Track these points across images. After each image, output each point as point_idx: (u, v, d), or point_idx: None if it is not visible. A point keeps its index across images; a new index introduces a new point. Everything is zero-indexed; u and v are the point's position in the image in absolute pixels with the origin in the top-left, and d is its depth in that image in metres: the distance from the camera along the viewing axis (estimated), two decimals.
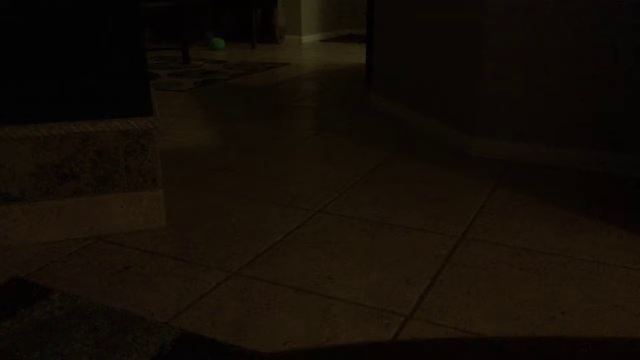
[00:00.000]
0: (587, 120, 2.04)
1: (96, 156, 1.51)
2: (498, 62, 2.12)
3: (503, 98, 2.15)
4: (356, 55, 5.28)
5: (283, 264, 1.41)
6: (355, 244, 1.51)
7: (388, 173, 2.05)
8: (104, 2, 1.44)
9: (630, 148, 2.00)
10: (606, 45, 1.95)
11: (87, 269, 1.39)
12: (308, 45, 6.25)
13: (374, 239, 1.54)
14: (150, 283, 1.32)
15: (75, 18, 1.43)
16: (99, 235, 1.55)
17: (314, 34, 6.66)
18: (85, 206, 1.53)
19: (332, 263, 1.41)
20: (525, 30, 2.05)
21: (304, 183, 1.96)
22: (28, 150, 1.46)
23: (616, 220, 1.64)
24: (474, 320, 1.17)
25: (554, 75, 2.05)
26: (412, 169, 2.09)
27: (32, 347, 1.08)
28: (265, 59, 4.98)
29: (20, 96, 1.44)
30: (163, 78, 4.03)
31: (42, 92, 1.45)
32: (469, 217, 1.67)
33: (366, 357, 1.07)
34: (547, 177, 2.01)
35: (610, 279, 1.33)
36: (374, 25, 3.15)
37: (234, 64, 4.70)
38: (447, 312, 1.20)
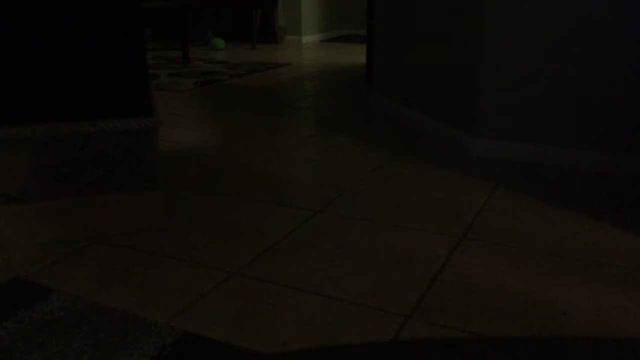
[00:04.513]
0: (587, 120, 2.04)
1: (96, 156, 1.51)
2: (498, 62, 2.12)
3: (503, 98, 2.15)
4: (356, 55, 5.28)
5: (283, 264, 1.41)
6: (355, 244, 1.51)
7: (388, 173, 2.05)
8: (104, 2, 1.44)
9: (631, 148, 2.00)
10: (607, 45, 1.95)
11: (87, 269, 1.39)
12: (308, 45, 6.25)
13: (374, 239, 1.54)
14: (150, 283, 1.32)
15: (75, 18, 1.43)
16: (99, 235, 1.55)
17: (314, 34, 6.66)
18: (85, 206, 1.53)
19: (332, 263, 1.41)
20: (526, 30, 2.05)
21: (304, 183, 1.96)
22: (28, 150, 1.46)
23: (616, 220, 1.64)
24: (474, 320, 1.17)
25: (554, 75, 2.05)
26: (411, 169, 2.09)
27: (32, 347, 1.08)
28: (265, 59, 4.98)
29: (20, 96, 1.44)
30: (163, 78, 4.03)
31: (42, 92, 1.45)
32: (469, 217, 1.67)
33: (366, 357, 1.07)
34: (547, 177, 2.01)
35: (610, 278, 1.33)
36: (374, 25, 3.15)
37: (234, 64, 4.70)
38: (447, 312, 1.20)
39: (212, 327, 1.16)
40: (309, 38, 6.57)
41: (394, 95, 2.90)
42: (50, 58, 1.44)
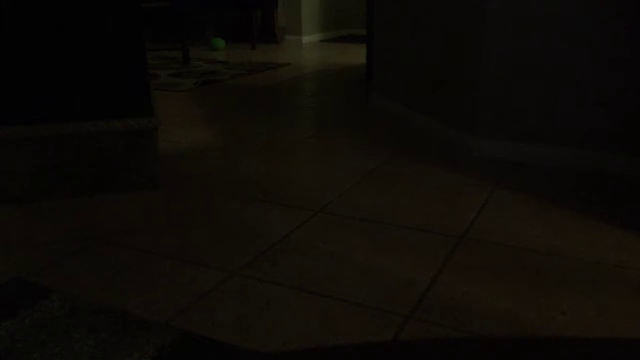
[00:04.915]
0: (587, 120, 2.04)
1: (96, 156, 1.51)
2: (498, 62, 2.12)
3: (503, 98, 2.15)
4: (356, 55, 5.28)
5: (283, 264, 1.41)
6: (355, 244, 1.51)
7: (388, 173, 2.05)
8: (104, 3, 1.44)
9: (631, 148, 2.00)
10: (607, 45, 1.95)
11: (87, 269, 1.39)
12: (308, 45, 6.25)
13: (374, 239, 1.54)
14: (150, 283, 1.32)
15: (75, 19, 1.43)
16: (99, 235, 1.55)
17: (314, 34, 6.66)
18: (85, 206, 1.53)
19: (332, 263, 1.41)
20: (526, 30, 2.05)
21: (304, 183, 1.96)
22: (28, 150, 1.46)
23: (616, 220, 1.64)
24: (474, 320, 1.17)
25: (554, 75, 2.05)
26: (411, 169, 2.09)
27: (32, 347, 1.08)
28: (266, 59, 4.98)
29: (20, 96, 1.44)
30: (163, 78, 4.03)
31: (43, 92, 1.45)
32: (469, 217, 1.67)
33: (366, 357, 1.07)
34: (547, 177, 2.01)
35: (611, 279, 1.33)
36: (374, 25, 3.15)
37: (234, 64, 4.70)
38: (447, 312, 1.20)
39: (212, 327, 1.16)
40: (309, 38, 6.57)
41: (394, 95, 2.90)
42: (50, 58, 1.44)
